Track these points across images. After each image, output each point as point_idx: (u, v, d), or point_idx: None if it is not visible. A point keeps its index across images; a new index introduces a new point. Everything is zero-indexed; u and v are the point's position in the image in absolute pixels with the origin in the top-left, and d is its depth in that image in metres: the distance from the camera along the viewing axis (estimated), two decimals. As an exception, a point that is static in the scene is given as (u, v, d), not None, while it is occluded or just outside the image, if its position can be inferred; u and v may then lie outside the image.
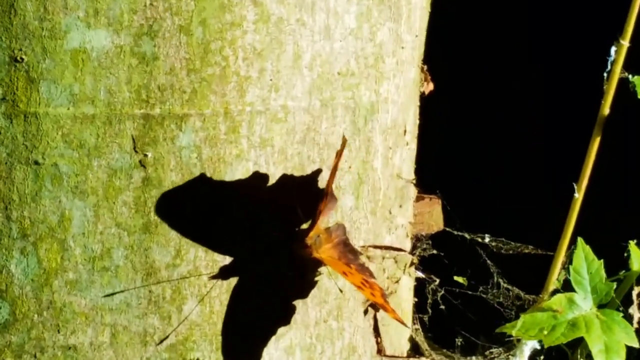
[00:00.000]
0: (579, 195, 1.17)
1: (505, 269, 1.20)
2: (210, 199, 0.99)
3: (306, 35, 1.00)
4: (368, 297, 0.99)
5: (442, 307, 1.18)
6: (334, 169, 0.98)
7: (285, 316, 1.04)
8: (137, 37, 0.94)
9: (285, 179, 1.01)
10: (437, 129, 1.20)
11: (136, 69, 0.95)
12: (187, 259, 0.99)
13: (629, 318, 1.16)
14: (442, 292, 1.18)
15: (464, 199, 1.17)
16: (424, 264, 1.17)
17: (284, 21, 0.99)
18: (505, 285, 1.19)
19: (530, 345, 1.20)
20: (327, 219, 1.03)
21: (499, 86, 1.54)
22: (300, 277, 1.04)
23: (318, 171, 1.02)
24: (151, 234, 0.98)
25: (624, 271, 1.17)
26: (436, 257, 1.17)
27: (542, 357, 1.20)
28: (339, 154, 0.98)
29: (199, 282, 1.00)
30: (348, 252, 1.01)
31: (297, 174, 1.02)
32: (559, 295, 1.14)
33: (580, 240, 1.15)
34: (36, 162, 0.95)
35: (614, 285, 1.14)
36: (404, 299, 1.16)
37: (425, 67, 1.16)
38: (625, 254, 1.17)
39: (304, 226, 1.02)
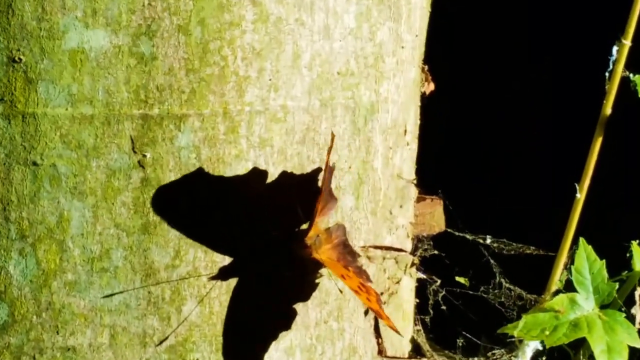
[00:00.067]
0: (580, 196, 1.17)
1: (506, 269, 1.19)
2: (209, 198, 0.98)
3: (305, 35, 1.00)
4: (364, 302, 0.99)
5: (444, 307, 1.18)
6: (326, 166, 0.98)
7: (285, 317, 1.03)
8: (135, 37, 0.94)
9: (285, 178, 1.01)
10: (437, 129, 1.19)
11: (135, 69, 0.95)
12: (186, 259, 0.99)
13: (631, 318, 1.15)
14: (443, 292, 1.18)
15: (464, 199, 1.16)
16: (425, 264, 1.17)
17: (283, 21, 0.99)
18: (506, 285, 1.19)
19: (532, 346, 1.19)
20: (328, 219, 1.02)
21: (499, 86, 1.54)
22: (301, 278, 1.03)
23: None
24: (150, 234, 0.97)
25: (626, 272, 1.16)
26: (437, 257, 1.17)
27: (544, 358, 1.20)
28: (329, 151, 0.97)
29: (199, 283, 0.99)
30: (347, 254, 1.01)
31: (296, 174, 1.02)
32: (560, 296, 1.13)
33: (582, 240, 1.15)
34: (34, 163, 0.95)
35: (616, 285, 1.14)
36: (405, 299, 1.15)
37: (426, 68, 1.16)
38: (628, 255, 1.16)
39: (304, 226, 1.02)
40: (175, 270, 0.98)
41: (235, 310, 1.01)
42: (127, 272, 0.97)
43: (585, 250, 1.15)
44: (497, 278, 1.19)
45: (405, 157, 1.12)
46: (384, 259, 1.10)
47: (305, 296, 1.04)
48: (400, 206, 1.12)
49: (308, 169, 1.02)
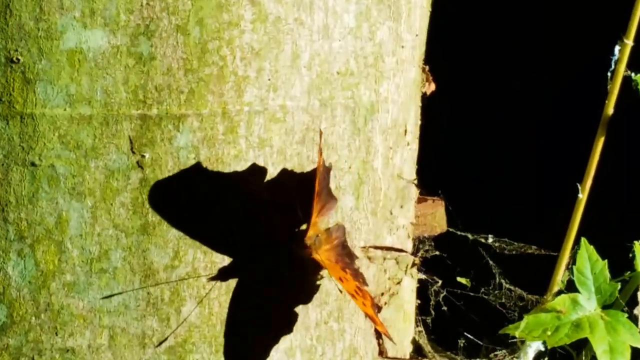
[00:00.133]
0: (583, 196, 1.16)
1: (507, 269, 1.19)
2: (209, 195, 0.98)
3: (305, 34, 1.00)
4: (359, 306, 0.98)
5: (445, 308, 1.17)
6: (319, 166, 0.97)
7: (285, 318, 1.03)
8: (133, 37, 0.94)
9: (284, 178, 1.00)
10: (437, 129, 1.19)
11: (133, 69, 0.94)
12: (185, 260, 0.98)
13: (633, 319, 1.15)
14: (445, 293, 1.17)
15: (464, 199, 1.16)
16: (426, 265, 1.17)
17: (282, 20, 0.98)
18: (507, 286, 1.18)
19: (534, 347, 1.19)
20: (328, 220, 1.02)
21: (499, 86, 1.54)
22: (301, 278, 1.03)
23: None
24: (149, 235, 0.97)
25: (629, 272, 1.16)
26: (438, 258, 1.16)
27: (546, 359, 1.20)
28: (319, 150, 0.97)
29: (198, 284, 0.99)
30: (345, 255, 1.00)
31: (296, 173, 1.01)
32: (562, 296, 1.13)
33: (583, 240, 1.15)
34: (33, 164, 0.94)
35: (618, 285, 1.13)
36: (407, 300, 1.15)
37: (427, 68, 1.15)
38: (630, 255, 1.16)
39: (304, 227, 1.01)
40: (174, 271, 0.98)
41: (235, 311, 1.00)
42: (126, 273, 0.97)
43: (587, 250, 1.14)
44: (498, 279, 1.18)
45: (405, 157, 1.11)
46: (384, 259, 1.10)
47: (305, 297, 1.03)
48: (401, 206, 1.12)
49: (308, 169, 1.02)
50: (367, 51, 1.04)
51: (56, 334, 0.97)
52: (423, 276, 1.17)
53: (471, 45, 1.53)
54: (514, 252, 1.19)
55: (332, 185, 1.02)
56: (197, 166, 0.97)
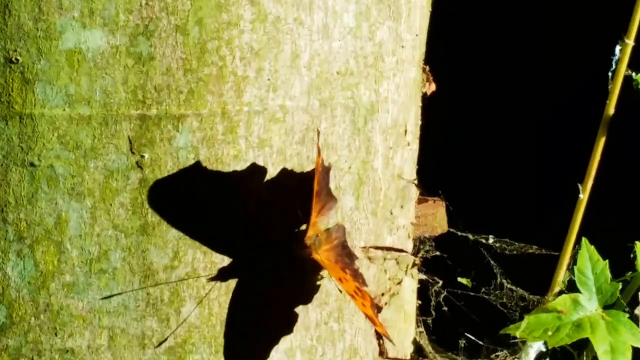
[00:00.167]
0: (584, 196, 1.16)
1: (508, 270, 1.19)
2: (208, 194, 0.98)
3: (304, 34, 1.00)
4: (359, 307, 0.98)
5: (446, 309, 1.17)
6: (317, 165, 0.97)
7: (285, 318, 1.03)
8: (132, 37, 0.94)
9: (284, 178, 1.00)
10: (437, 129, 1.19)
11: (132, 69, 0.94)
12: (185, 260, 0.98)
13: (635, 319, 1.14)
14: (445, 293, 1.17)
15: (464, 199, 1.16)
16: (427, 265, 1.16)
17: (282, 20, 0.98)
18: (508, 286, 1.18)
19: (535, 348, 1.19)
20: (328, 220, 1.02)
21: (499, 86, 1.54)
22: (301, 278, 1.03)
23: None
24: (148, 235, 0.97)
25: (630, 272, 1.16)
26: (439, 258, 1.16)
27: (547, 360, 1.19)
28: (318, 150, 0.97)
29: (198, 284, 0.99)
30: (345, 256, 1.00)
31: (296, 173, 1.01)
32: (563, 296, 1.13)
33: (584, 240, 1.14)
34: (32, 164, 0.94)
35: (619, 285, 1.13)
36: (407, 301, 1.15)
37: (428, 68, 1.15)
38: (632, 255, 1.16)
39: (305, 227, 1.01)
40: (174, 272, 0.98)
41: (234, 312, 1.00)
42: (126, 274, 0.97)
43: (588, 250, 1.14)
44: (499, 279, 1.18)
45: (406, 157, 1.11)
46: (384, 259, 1.10)
47: (305, 297, 1.03)
48: (401, 206, 1.11)
49: (307, 169, 1.02)
50: (367, 51, 1.04)
51: (56, 334, 0.97)
52: (424, 276, 1.17)
53: (471, 45, 1.53)
54: (514, 253, 1.19)
55: (332, 186, 1.02)
56: (197, 166, 0.97)
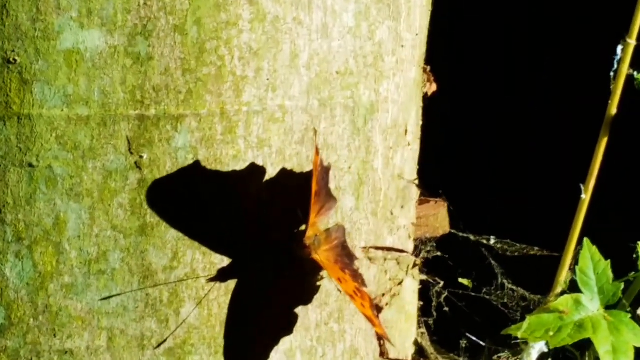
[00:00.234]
0: (586, 196, 1.16)
1: (509, 270, 1.19)
2: (207, 197, 0.98)
3: (303, 34, 0.99)
4: (358, 308, 0.98)
5: (447, 309, 1.17)
6: (315, 165, 0.97)
7: (285, 319, 1.02)
8: (131, 37, 0.94)
9: (284, 178, 1.00)
10: (437, 129, 1.19)
11: (131, 70, 0.94)
12: (184, 261, 0.98)
13: (637, 319, 1.14)
14: (446, 294, 1.17)
15: (465, 199, 1.16)
16: (428, 266, 1.16)
17: (281, 20, 0.98)
18: (510, 286, 1.18)
19: (537, 348, 1.18)
20: (327, 220, 1.02)
21: (499, 86, 1.53)
22: (301, 279, 1.03)
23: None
24: (147, 236, 0.97)
25: (633, 272, 1.15)
26: (440, 259, 1.16)
27: (549, 360, 1.19)
28: (316, 149, 0.97)
29: (197, 285, 0.98)
30: (344, 256, 1.00)
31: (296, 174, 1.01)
32: (565, 297, 1.13)
33: (586, 240, 1.14)
34: (30, 165, 0.94)
35: (621, 285, 1.13)
36: (408, 301, 1.14)
37: (429, 68, 1.15)
38: (635, 256, 1.16)
39: (304, 227, 1.01)
40: (173, 272, 0.98)
41: (234, 312, 1.00)
42: (125, 274, 0.97)
43: (589, 250, 1.14)
44: (500, 279, 1.18)
45: (406, 158, 1.11)
46: (385, 260, 1.10)
47: (305, 297, 1.03)
48: (402, 207, 1.11)
49: (307, 169, 1.01)
50: (367, 50, 1.03)
51: (54, 335, 0.96)
52: (425, 277, 1.17)
53: (471, 45, 1.52)
54: (516, 254, 1.18)
55: (332, 186, 1.02)
56: (196, 166, 0.97)
